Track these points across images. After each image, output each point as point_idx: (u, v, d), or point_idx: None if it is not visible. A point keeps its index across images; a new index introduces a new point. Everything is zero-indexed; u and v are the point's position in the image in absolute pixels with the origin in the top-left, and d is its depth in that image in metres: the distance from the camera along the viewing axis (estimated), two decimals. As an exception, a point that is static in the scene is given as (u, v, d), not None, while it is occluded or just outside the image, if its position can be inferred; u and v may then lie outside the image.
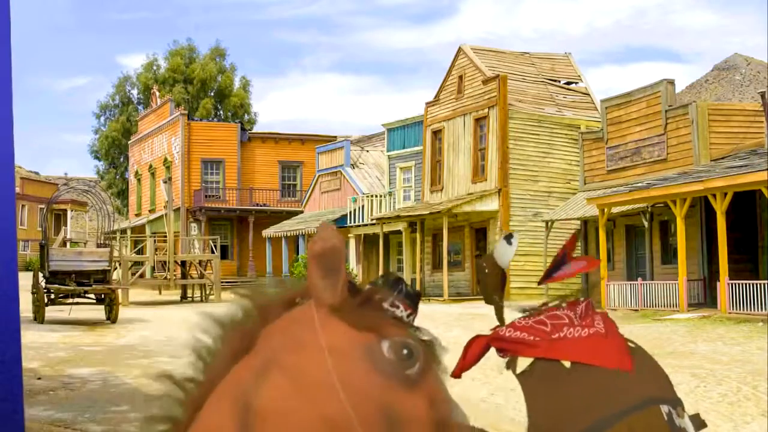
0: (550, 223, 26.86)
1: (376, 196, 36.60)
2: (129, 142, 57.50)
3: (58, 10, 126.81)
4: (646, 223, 23.81)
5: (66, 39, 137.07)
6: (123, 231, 44.17)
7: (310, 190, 42.62)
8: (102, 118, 65.79)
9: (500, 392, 9.46)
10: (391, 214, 34.25)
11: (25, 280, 19.27)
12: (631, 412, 1.36)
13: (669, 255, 23.84)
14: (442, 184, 33.04)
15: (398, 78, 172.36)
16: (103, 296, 24.01)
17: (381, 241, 34.02)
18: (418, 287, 36.24)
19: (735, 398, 9.59)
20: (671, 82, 24.67)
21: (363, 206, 36.59)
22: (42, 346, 16.63)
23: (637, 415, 1.37)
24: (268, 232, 41.99)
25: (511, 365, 1.46)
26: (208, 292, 35.20)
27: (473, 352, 1.48)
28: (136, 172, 54.13)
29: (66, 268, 23.62)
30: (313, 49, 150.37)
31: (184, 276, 35.68)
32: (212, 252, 36.76)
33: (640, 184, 22.91)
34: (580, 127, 29.98)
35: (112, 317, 23.51)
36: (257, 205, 46.68)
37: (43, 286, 23.32)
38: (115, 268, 28.85)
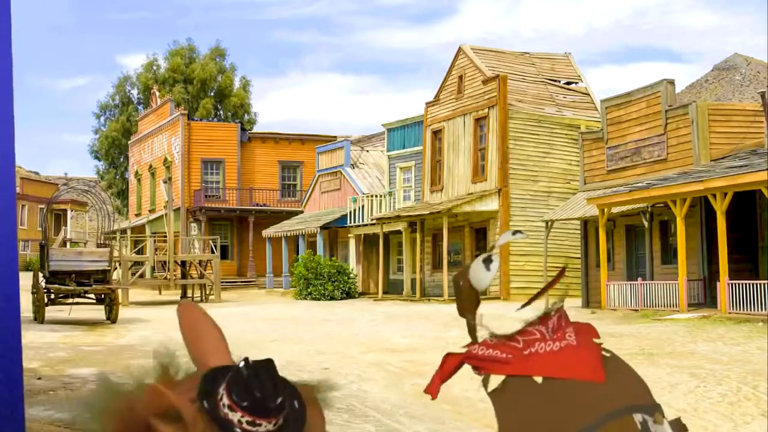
0: (550, 223, 26.85)
1: (376, 196, 36.59)
2: (129, 142, 57.50)
3: (58, 10, 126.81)
4: (646, 223, 23.81)
5: (66, 39, 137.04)
6: (123, 231, 44.18)
7: (310, 190, 42.61)
8: (102, 118, 65.83)
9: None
10: (391, 214, 34.25)
11: (25, 280, 19.27)
12: (601, 425, 1.35)
13: (669, 255, 23.84)
14: (442, 184, 33.04)
15: (398, 78, 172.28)
16: (103, 296, 24.01)
17: (381, 241, 34.02)
18: (418, 287, 36.29)
19: (735, 398, 9.59)
20: (671, 82, 24.66)
21: (363, 206, 36.59)
22: (42, 346, 16.63)
23: (609, 426, 1.35)
24: (268, 232, 41.98)
25: (485, 383, 1.45)
26: (208, 292, 35.21)
27: (446, 370, 1.48)
28: (136, 172, 54.13)
29: (66, 268, 23.62)
30: (313, 49, 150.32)
31: (184, 276, 35.69)
32: (212, 252, 36.77)
33: (640, 184, 22.91)
34: (580, 127, 29.98)
35: (112, 317, 23.52)
36: (257, 205, 46.68)
37: (43, 286, 23.32)
38: (115, 268, 28.86)
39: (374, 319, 23.01)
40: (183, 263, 35.73)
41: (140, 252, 39.36)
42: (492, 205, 30.06)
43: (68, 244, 34.82)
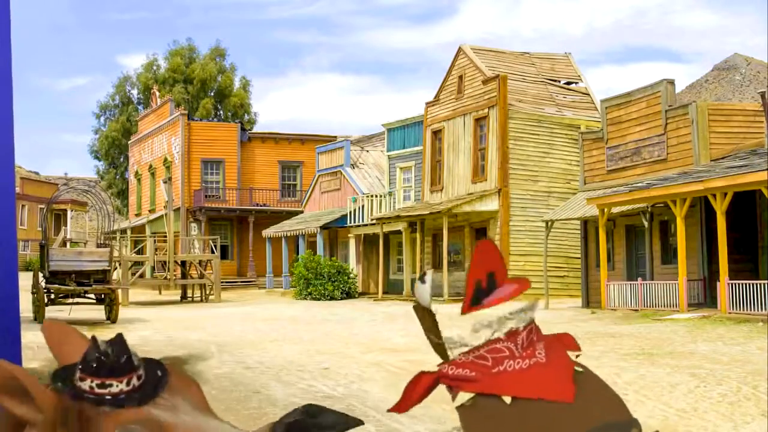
0: (550, 223, 26.86)
1: (376, 196, 36.59)
2: (129, 142, 57.50)
3: (58, 10, 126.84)
4: (646, 223, 23.80)
5: (66, 39, 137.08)
6: (123, 231, 44.18)
7: (310, 190, 42.61)
8: (102, 118, 65.81)
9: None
10: (391, 214, 34.25)
11: (25, 280, 19.26)
12: None
13: (669, 255, 23.83)
14: (442, 184, 33.03)
15: (398, 78, 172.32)
16: (103, 296, 24.01)
17: (381, 241, 34.02)
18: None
19: (735, 398, 9.59)
20: (671, 82, 24.66)
21: (363, 206, 36.58)
22: (42, 346, 16.56)
23: None
24: (268, 232, 41.98)
25: (454, 399, 1.44)
26: (208, 292, 35.21)
27: (419, 390, 1.48)
28: (136, 172, 54.13)
29: (66, 268, 23.62)
30: (313, 49, 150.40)
31: (184, 276, 35.69)
32: (212, 252, 36.77)
33: (640, 184, 22.90)
34: (580, 127, 29.98)
35: (112, 317, 23.52)
36: (257, 205, 46.68)
37: (43, 286, 23.33)
38: (115, 268, 28.85)
39: (374, 319, 23.01)
40: (183, 263, 35.72)
41: (140, 252, 39.36)
42: (492, 205, 30.05)
43: (68, 244, 34.81)
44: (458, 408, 1.40)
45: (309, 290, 34.12)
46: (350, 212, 37.46)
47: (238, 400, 10.18)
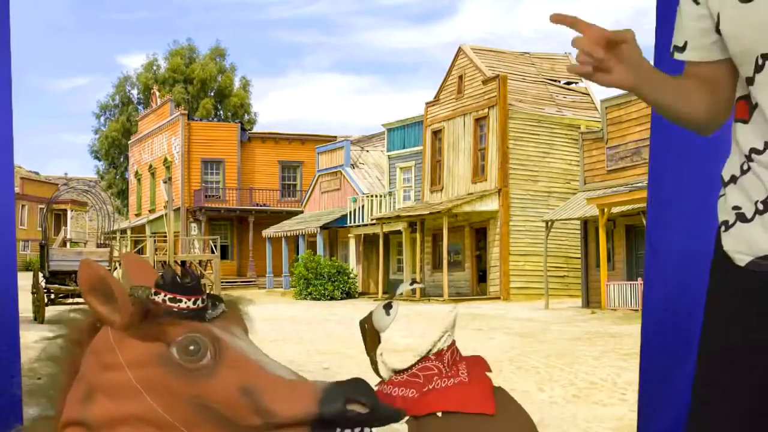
0: (550, 223, 26.86)
1: (376, 196, 36.60)
2: (129, 142, 57.50)
3: (58, 10, 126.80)
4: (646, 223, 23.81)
5: (66, 39, 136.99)
6: (123, 231, 44.18)
7: (310, 190, 42.61)
8: (102, 118, 65.82)
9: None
10: (391, 214, 34.25)
11: (25, 280, 19.25)
12: None
13: (669, 255, 23.83)
14: (442, 184, 33.04)
15: (398, 78, 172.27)
16: (103, 296, 23.99)
17: (381, 241, 34.02)
18: (417, 287, 36.35)
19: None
20: (671, 82, 24.66)
21: (363, 206, 36.59)
22: (42, 346, 16.61)
23: None
24: (268, 232, 41.98)
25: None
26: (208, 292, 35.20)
27: None
28: (136, 172, 54.13)
29: (66, 268, 23.62)
30: (313, 49, 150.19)
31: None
32: (212, 252, 36.78)
33: (640, 184, 22.91)
34: (580, 127, 29.98)
35: (112, 317, 23.50)
36: (257, 205, 46.68)
37: (43, 286, 23.33)
38: (115, 268, 28.84)
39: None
40: (183, 263, 35.71)
41: (140, 252, 39.36)
42: (492, 205, 30.05)
43: (68, 244, 34.80)
44: (406, 422, 1.55)
45: (309, 290, 34.13)
46: (350, 212, 37.46)
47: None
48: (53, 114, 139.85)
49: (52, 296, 23.63)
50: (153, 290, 1.42)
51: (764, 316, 1.60)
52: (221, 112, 61.97)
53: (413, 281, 1.91)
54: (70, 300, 23.97)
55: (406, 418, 1.55)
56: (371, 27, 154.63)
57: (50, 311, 23.49)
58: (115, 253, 28.79)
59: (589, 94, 33.05)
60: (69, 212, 60.42)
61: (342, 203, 38.87)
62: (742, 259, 1.63)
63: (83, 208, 60.53)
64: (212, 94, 61.81)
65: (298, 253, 38.16)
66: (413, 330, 19.02)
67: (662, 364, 3.18)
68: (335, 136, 45.29)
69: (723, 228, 1.69)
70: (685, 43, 1.74)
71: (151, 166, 51.27)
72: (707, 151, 2.54)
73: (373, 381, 1.62)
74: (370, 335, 1.72)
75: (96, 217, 34.45)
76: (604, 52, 1.51)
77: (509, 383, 9.91)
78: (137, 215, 52.68)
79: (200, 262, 35.58)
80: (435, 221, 31.51)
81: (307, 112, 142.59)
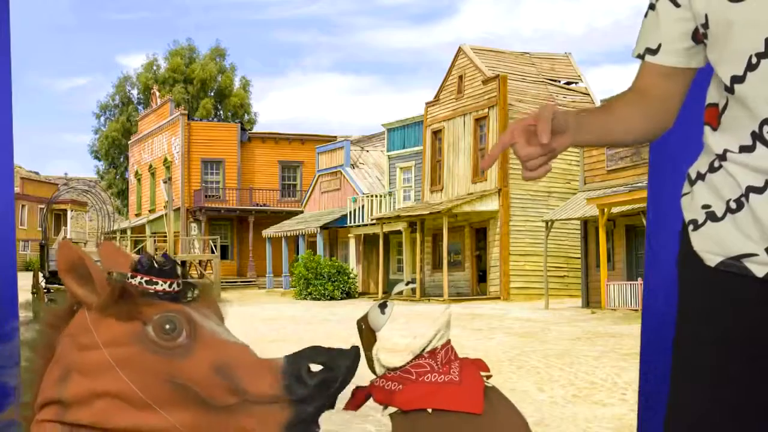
0: (550, 223, 26.87)
1: (376, 196, 36.59)
2: (129, 142, 57.49)
3: (58, 10, 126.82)
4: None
5: (66, 39, 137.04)
6: (123, 231, 44.20)
7: (310, 190, 42.61)
8: (102, 118, 65.80)
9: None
10: (391, 214, 34.25)
11: (25, 280, 19.24)
12: None
13: (669, 255, 23.83)
14: (442, 184, 33.04)
15: (398, 78, 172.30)
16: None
17: (381, 241, 34.02)
18: (418, 287, 36.18)
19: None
20: (671, 82, 24.66)
21: (363, 206, 36.59)
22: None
23: None
24: (268, 232, 41.98)
25: (386, 409, 1.66)
26: (208, 292, 35.19)
27: (355, 402, 1.72)
28: (136, 172, 54.13)
29: (66, 268, 23.64)
30: (313, 49, 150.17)
31: (184, 276, 35.67)
32: (212, 252, 36.79)
33: (640, 184, 22.91)
34: (580, 127, 29.95)
35: (112, 317, 23.52)
36: (257, 205, 46.68)
37: (43, 286, 23.36)
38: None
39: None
40: (183, 263, 35.46)
41: (140, 252, 39.36)
42: (492, 205, 30.05)
43: (68, 244, 34.75)
44: (390, 416, 1.61)
45: (309, 290, 34.12)
46: (350, 212, 37.46)
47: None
48: (53, 114, 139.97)
49: (52, 296, 23.65)
50: (129, 274, 1.46)
51: (735, 316, 1.59)
52: (221, 112, 61.97)
53: (408, 282, 1.96)
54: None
55: (394, 410, 1.60)
56: (371, 27, 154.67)
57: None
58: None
59: (589, 94, 33.05)
60: (69, 212, 60.40)
61: (342, 203, 38.87)
62: (712, 259, 1.62)
63: (83, 208, 60.52)
64: (212, 94, 61.81)
65: (298, 253, 38.16)
66: (413, 330, 19.05)
67: (662, 364, 3.17)
68: (335, 136, 45.29)
69: (691, 227, 1.67)
70: (659, 46, 1.72)
71: (151, 166, 51.27)
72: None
73: (368, 378, 1.64)
74: (367, 334, 1.76)
75: (96, 217, 34.47)
76: (547, 137, 1.52)
77: (509, 383, 9.91)
78: (137, 215, 52.68)
79: (200, 262, 35.57)
80: (435, 221, 31.51)
81: (307, 112, 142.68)
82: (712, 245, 1.62)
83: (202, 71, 60.54)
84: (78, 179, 57.68)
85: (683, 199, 1.73)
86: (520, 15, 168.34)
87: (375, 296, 33.62)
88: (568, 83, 33.48)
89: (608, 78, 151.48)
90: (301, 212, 42.92)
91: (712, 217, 1.62)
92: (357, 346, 1.49)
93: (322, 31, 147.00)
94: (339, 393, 1.42)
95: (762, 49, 1.53)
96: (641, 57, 1.75)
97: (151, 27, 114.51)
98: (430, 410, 1.54)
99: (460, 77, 32.42)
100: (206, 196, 46.24)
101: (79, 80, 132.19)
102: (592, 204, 24.44)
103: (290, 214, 44.06)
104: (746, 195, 1.56)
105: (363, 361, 1.76)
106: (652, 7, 1.74)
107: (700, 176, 1.67)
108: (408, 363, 1.65)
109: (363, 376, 1.59)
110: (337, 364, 1.41)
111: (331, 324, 21.62)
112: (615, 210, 24.08)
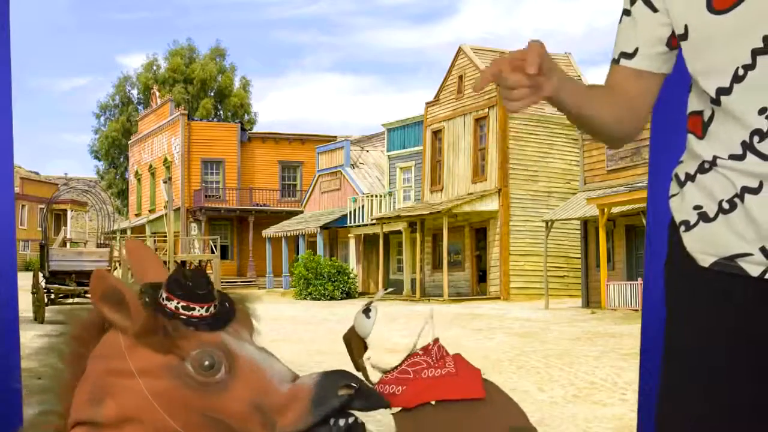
0: (550, 223, 26.87)
1: (376, 196, 36.59)
2: (129, 142, 57.50)
3: (58, 10, 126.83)
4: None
5: (66, 39, 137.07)
6: (123, 231, 44.18)
7: (310, 190, 42.61)
8: (102, 118, 65.83)
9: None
10: (391, 214, 34.25)
11: (25, 280, 19.26)
12: None
13: (669, 255, 23.82)
14: (442, 184, 33.04)
15: (398, 78, 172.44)
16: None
17: (381, 241, 34.02)
18: (418, 287, 36.12)
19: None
20: (671, 82, 24.65)
21: (363, 206, 36.59)
22: (42, 346, 16.61)
23: None
24: (268, 232, 41.98)
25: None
26: (208, 292, 35.17)
27: None
28: (136, 172, 54.13)
29: (66, 268, 23.62)
30: (313, 49, 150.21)
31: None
32: (212, 252, 36.79)
33: (640, 184, 22.91)
34: (580, 127, 29.95)
35: (112, 317, 23.48)
36: (257, 205, 46.67)
37: (43, 286, 23.32)
38: (115, 268, 28.85)
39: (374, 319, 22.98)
40: (183, 263, 35.71)
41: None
42: (492, 205, 30.05)
43: (68, 244, 34.80)
44: (393, 415, 1.62)
45: (309, 290, 34.12)
46: (350, 212, 37.46)
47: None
48: (53, 114, 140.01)
49: (52, 296, 23.62)
50: (164, 295, 1.41)
51: (731, 316, 1.59)
52: (221, 112, 61.99)
53: (387, 290, 2.05)
54: (70, 300, 23.96)
55: (397, 409, 1.61)
56: (371, 27, 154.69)
57: (50, 311, 23.52)
58: (115, 253, 28.81)
59: (589, 94, 33.05)
60: (69, 212, 60.42)
61: (342, 203, 38.87)
62: (705, 260, 1.61)
63: (83, 208, 60.53)
64: (212, 94, 61.82)
65: (298, 253, 38.16)
66: (413, 330, 19.05)
67: (662, 364, 3.16)
68: (335, 136, 45.29)
69: (683, 228, 1.65)
70: (636, 50, 1.70)
71: (151, 166, 51.27)
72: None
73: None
74: (356, 343, 1.76)
75: (96, 217, 34.46)
76: (534, 68, 1.47)
77: (509, 383, 9.91)
78: (137, 215, 52.68)
79: (200, 262, 35.56)
80: (435, 221, 31.51)
81: (307, 112, 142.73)
82: (705, 246, 1.62)
83: (202, 71, 60.55)
84: (78, 179, 57.66)
85: (672, 200, 1.71)
86: (520, 15, 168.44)
87: (371, 299, 33.61)
88: (568, 83, 33.45)
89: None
90: (301, 212, 42.92)
91: (704, 217, 1.62)
92: (388, 402, 1.47)
93: (322, 31, 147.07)
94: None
95: (749, 60, 1.51)
96: (616, 62, 1.73)
97: (151, 27, 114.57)
98: (433, 402, 1.55)
99: (460, 77, 32.43)
100: (206, 196, 46.24)
101: (79, 80, 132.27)
102: (592, 204, 24.44)
103: (290, 214, 44.06)
104: (741, 195, 1.55)
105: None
106: (627, 12, 1.71)
107: (690, 177, 1.66)
108: (402, 362, 1.66)
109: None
110: (364, 394, 1.40)
111: (331, 324, 21.62)
112: (615, 210, 24.07)
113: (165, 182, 38.72)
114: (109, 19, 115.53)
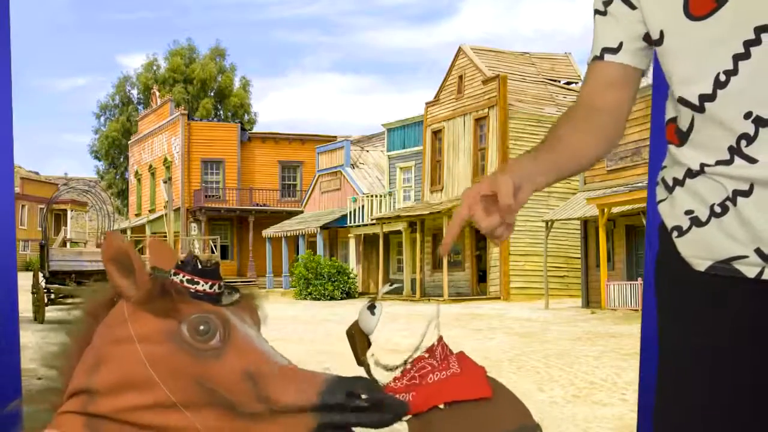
0: (550, 223, 26.87)
1: (376, 196, 36.60)
2: (129, 142, 57.50)
3: (58, 10, 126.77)
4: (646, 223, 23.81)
5: (66, 39, 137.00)
6: (123, 231, 44.19)
7: (310, 190, 42.62)
8: (102, 118, 65.82)
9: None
10: (391, 214, 34.26)
11: (25, 280, 19.26)
12: None
13: (669, 255, 23.82)
14: (442, 184, 33.04)
15: (398, 78, 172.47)
16: (103, 296, 23.97)
17: (381, 241, 34.02)
18: (418, 287, 36.12)
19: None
20: (671, 82, 24.65)
21: (363, 206, 36.59)
22: (42, 346, 16.61)
23: None
24: (268, 232, 41.99)
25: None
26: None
27: None
28: (136, 172, 54.14)
29: (66, 268, 23.62)
30: (313, 49, 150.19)
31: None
32: (212, 252, 36.79)
33: (640, 184, 22.91)
34: (580, 127, 29.95)
35: (112, 317, 23.48)
36: (257, 205, 46.68)
37: (43, 286, 23.33)
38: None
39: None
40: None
41: (140, 252, 39.28)
42: (492, 205, 30.03)
43: (68, 244, 34.81)
44: (407, 422, 1.59)
45: (309, 290, 34.13)
46: (350, 212, 37.46)
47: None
48: (53, 114, 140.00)
49: (52, 296, 23.62)
50: (173, 271, 1.45)
51: (729, 317, 1.59)
52: (221, 112, 61.99)
53: (391, 284, 2.05)
54: (70, 300, 23.96)
55: (407, 417, 1.61)
56: (371, 27, 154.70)
57: (50, 311, 23.53)
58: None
59: (589, 94, 33.04)
60: (69, 212, 60.41)
61: (342, 203, 38.87)
62: (700, 264, 1.61)
63: (83, 208, 60.52)
64: (212, 94, 61.82)
65: (298, 253, 38.16)
66: (413, 330, 19.06)
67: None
68: (335, 136, 45.29)
69: (676, 233, 1.64)
70: (621, 45, 1.69)
71: (151, 166, 51.28)
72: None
73: None
74: (360, 340, 1.76)
75: (96, 217, 34.45)
76: (510, 198, 1.55)
77: (509, 383, 9.86)
78: (137, 215, 52.68)
79: (200, 262, 35.56)
80: (435, 221, 31.52)
81: (307, 112, 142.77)
82: (699, 251, 1.61)
83: (202, 71, 60.55)
84: (78, 179, 57.62)
85: (661, 206, 1.70)
86: (519, 15, 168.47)
87: (375, 296, 33.62)
88: (568, 83, 33.47)
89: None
90: (301, 212, 42.92)
91: (696, 222, 1.61)
92: (405, 403, 1.49)
93: (322, 31, 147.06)
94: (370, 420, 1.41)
95: (730, 66, 1.50)
96: (599, 58, 1.72)
97: (151, 27, 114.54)
98: (442, 405, 1.56)
99: (460, 77, 32.42)
100: (206, 196, 46.24)
101: (79, 80, 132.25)
102: (592, 204, 24.44)
103: (290, 214, 44.07)
104: (733, 199, 1.54)
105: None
106: (602, 12, 1.70)
107: (678, 182, 1.65)
108: (407, 361, 1.67)
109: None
110: (382, 406, 1.40)
111: (331, 324, 21.62)
112: (615, 210, 24.08)
113: (165, 182, 38.75)
114: (109, 19, 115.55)
